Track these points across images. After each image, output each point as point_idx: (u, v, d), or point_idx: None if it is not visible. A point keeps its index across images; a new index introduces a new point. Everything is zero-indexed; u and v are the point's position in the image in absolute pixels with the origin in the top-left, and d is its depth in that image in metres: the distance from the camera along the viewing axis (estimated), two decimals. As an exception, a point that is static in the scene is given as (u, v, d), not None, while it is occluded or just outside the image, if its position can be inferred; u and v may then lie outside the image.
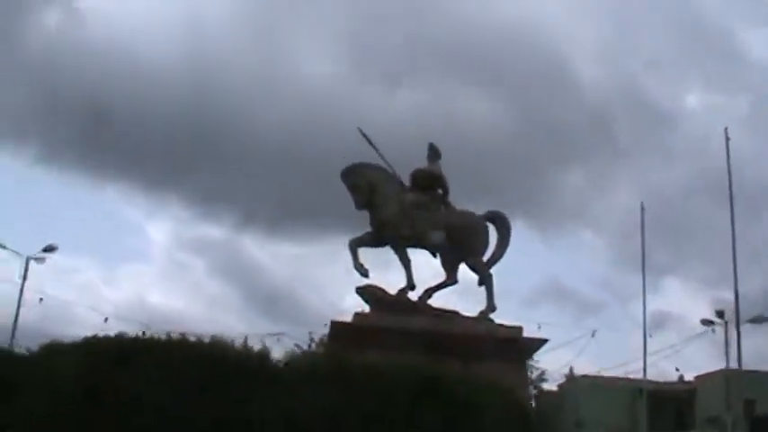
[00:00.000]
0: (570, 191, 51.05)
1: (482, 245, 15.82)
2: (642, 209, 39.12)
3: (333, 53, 57.36)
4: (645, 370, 38.72)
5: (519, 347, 15.04)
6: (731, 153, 31.48)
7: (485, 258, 15.86)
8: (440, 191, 16.05)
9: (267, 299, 64.00)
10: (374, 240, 15.61)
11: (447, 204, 16.07)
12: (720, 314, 33.77)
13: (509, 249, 16.13)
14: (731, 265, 30.52)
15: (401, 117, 50.02)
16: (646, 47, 51.78)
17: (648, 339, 38.10)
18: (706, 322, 34.94)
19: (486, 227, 15.97)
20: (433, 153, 16.21)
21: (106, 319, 34.44)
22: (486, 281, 15.65)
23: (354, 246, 15.47)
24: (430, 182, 16.02)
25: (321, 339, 30.79)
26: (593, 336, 36.94)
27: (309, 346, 38.09)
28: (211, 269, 79.32)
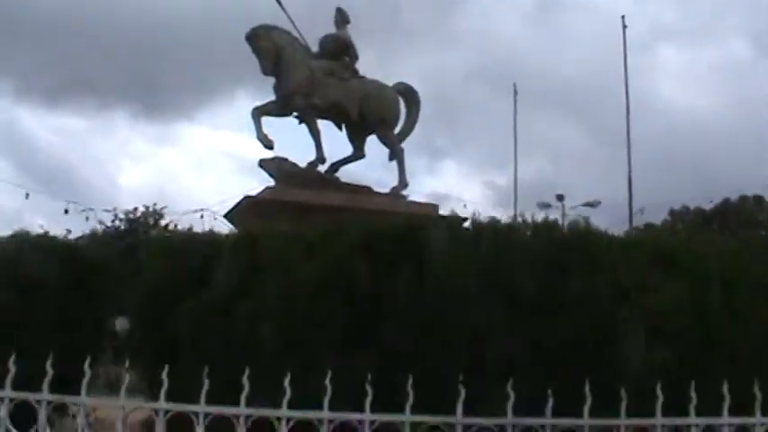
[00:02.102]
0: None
1: (395, 117, 14.99)
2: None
3: None
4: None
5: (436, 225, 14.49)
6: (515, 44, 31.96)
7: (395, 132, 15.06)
8: (348, 58, 14.95)
9: (45, 174, 59.04)
10: (280, 109, 14.33)
11: (356, 72, 15.01)
12: (560, 197, 34.86)
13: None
14: (504, 152, 31.47)
15: None
16: None
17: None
18: (542, 205, 36.01)
19: (398, 99, 15.12)
20: (341, 18, 15.00)
21: None
22: (398, 155, 14.88)
23: (258, 115, 14.13)
24: (340, 49, 14.85)
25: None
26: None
27: (113, 222, 35.19)
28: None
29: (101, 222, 35.35)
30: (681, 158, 43.06)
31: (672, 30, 53.69)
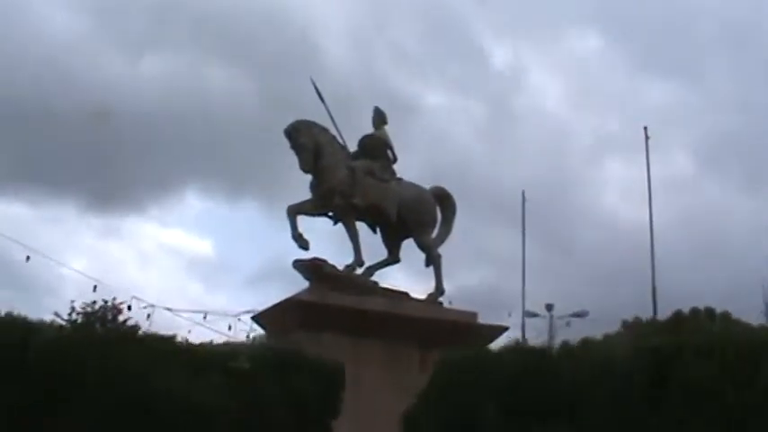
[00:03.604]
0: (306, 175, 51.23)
1: (433, 222, 14.52)
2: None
3: (73, 9, 52.49)
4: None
5: (475, 334, 13.85)
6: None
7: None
8: (387, 159, 14.54)
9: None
10: (317, 208, 13.75)
11: (393, 174, 14.58)
12: (549, 307, 34.08)
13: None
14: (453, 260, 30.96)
15: (146, 86, 47.48)
16: (395, 39, 53.25)
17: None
18: (529, 314, 34.97)
19: (435, 203, 14.67)
20: (379, 117, 14.68)
21: None
22: (435, 261, 14.31)
23: (293, 213, 13.53)
24: (379, 149, 14.46)
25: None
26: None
27: (70, 315, 34.68)
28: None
29: (56, 314, 33.88)
30: (628, 271, 43.41)
31: (617, 142, 55.54)
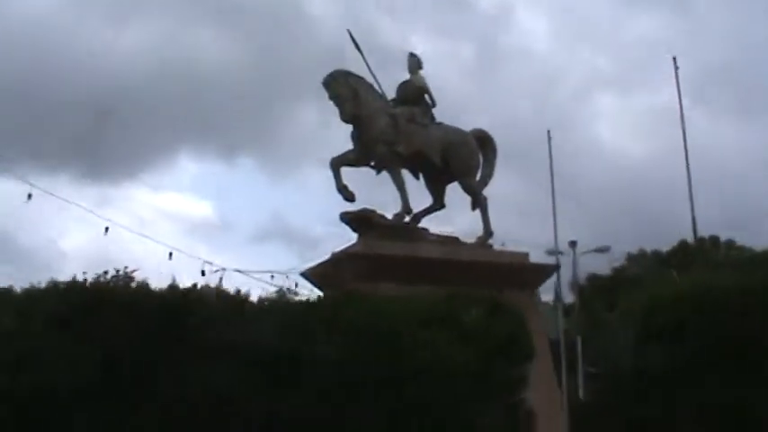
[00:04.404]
0: (300, 129, 50.46)
1: (477, 165, 14.31)
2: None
3: None
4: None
5: (528, 274, 13.77)
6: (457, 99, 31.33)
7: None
8: (427, 104, 14.31)
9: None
10: (360, 159, 13.59)
11: (433, 118, 14.35)
12: (573, 243, 34.08)
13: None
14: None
15: (133, 50, 47.01)
16: None
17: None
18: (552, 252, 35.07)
19: (477, 146, 14.45)
20: (415, 64, 14.40)
21: None
22: (481, 204, 14.16)
23: (337, 165, 13.38)
24: (418, 94, 14.21)
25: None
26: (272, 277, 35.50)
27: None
28: None
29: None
30: (628, 204, 43.09)
31: (605, 79, 54.93)
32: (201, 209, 58.44)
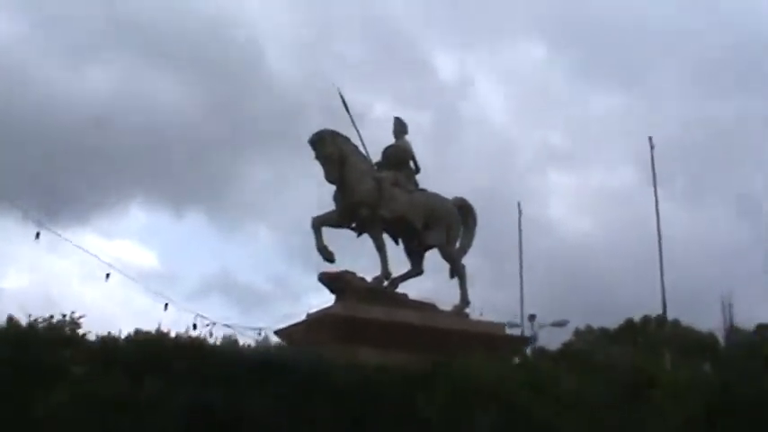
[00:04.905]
0: (251, 185, 50.65)
1: (458, 233, 14.33)
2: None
3: (13, 11, 51.32)
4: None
5: (501, 345, 13.70)
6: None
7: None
8: (411, 169, 14.37)
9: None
10: (342, 220, 13.51)
11: (416, 184, 14.39)
12: (532, 317, 34.35)
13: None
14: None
15: (89, 94, 46.92)
16: (342, 52, 53.48)
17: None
18: (511, 325, 35.38)
19: (458, 214, 14.50)
20: (400, 127, 14.52)
21: None
22: (459, 272, 14.17)
23: (318, 225, 13.28)
24: (403, 159, 14.27)
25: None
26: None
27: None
28: None
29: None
30: (577, 279, 43.67)
31: (561, 155, 56.24)
32: (148, 259, 57.69)
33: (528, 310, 30.74)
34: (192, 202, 61.65)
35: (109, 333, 9.49)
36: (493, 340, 13.46)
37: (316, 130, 13.45)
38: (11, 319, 9.37)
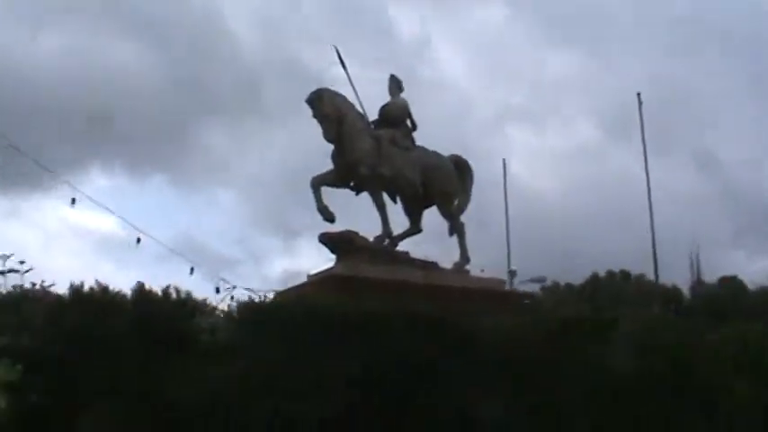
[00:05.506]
0: (211, 148, 50.54)
1: (456, 190, 14.28)
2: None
3: None
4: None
5: (502, 301, 13.77)
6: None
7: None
8: (408, 126, 14.24)
9: None
10: (341, 179, 13.41)
11: (413, 141, 14.29)
12: (512, 273, 34.61)
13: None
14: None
15: (44, 61, 46.33)
16: (304, 17, 53.22)
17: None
18: None
19: (456, 171, 14.44)
20: (396, 85, 14.33)
21: None
22: (458, 229, 14.14)
23: (317, 185, 13.18)
24: (399, 117, 14.13)
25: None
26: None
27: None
28: None
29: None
30: (542, 237, 43.96)
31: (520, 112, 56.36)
32: (108, 224, 57.14)
33: (496, 267, 30.95)
34: (153, 166, 61.40)
35: None
36: (494, 296, 13.55)
37: (313, 89, 13.30)
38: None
